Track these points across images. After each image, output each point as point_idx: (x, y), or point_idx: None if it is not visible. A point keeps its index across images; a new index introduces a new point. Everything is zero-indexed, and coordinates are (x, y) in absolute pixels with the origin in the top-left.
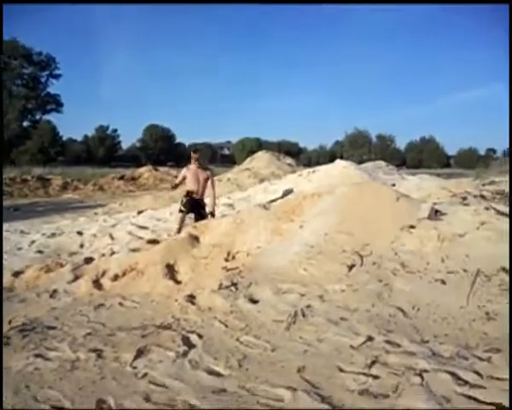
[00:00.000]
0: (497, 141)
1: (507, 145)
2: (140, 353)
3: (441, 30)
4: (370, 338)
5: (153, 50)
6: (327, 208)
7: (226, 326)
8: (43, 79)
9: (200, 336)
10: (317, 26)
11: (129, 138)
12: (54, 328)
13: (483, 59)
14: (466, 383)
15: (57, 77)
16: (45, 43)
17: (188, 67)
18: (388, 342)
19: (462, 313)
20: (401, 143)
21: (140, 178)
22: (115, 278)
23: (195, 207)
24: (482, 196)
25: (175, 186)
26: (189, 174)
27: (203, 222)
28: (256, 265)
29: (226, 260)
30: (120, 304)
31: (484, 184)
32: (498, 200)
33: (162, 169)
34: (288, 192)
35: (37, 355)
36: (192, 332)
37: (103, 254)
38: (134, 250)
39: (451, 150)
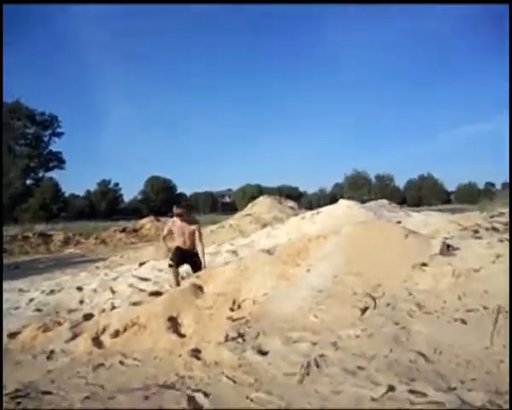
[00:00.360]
0: (495, 175)
1: (505, 179)
2: None
3: (438, 65)
4: (392, 388)
5: (151, 96)
6: (333, 250)
7: (234, 382)
8: (45, 138)
9: (206, 395)
10: (311, 69)
11: (131, 191)
12: (49, 393)
13: (482, 93)
14: None
15: (59, 135)
16: (43, 100)
17: (187, 112)
18: (412, 391)
19: (487, 354)
20: (400, 182)
21: (142, 230)
22: (116, 334)
23: (186, 257)
24: (494, 229)
25: (164, 238)
26: (175, 229)
27: (206, 271)
28: (263, 313)
29: (231, 309)
30: (121, 363)
31: (492, 216)
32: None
33: (164, 219)
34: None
35: None
36: (198, 391)
37: (104, 310)
38: (135, 304)
39: (451, 186)
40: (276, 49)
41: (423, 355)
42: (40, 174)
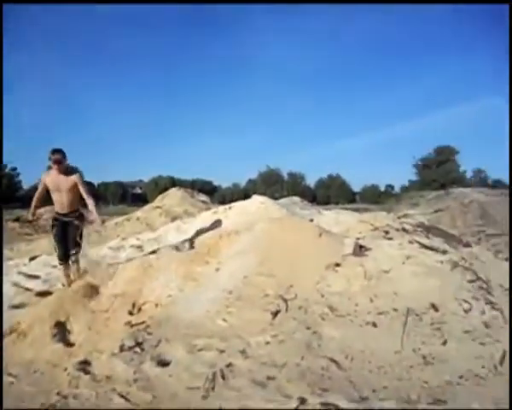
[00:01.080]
0: (395, 178)
1: (404, 181)
2: None
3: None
4: (303, 401)
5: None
6: (245, 247)
7: (128, 401)
8: None
9: None
10: (227, 66)
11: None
12: None
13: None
14: None
15: None
16: None
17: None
18: (324, 404)
19: (398, 359)
20: (310, 181)
21: (39, 220)
22: None
23: (67, 233)
24: (404, 230)
25: (33, 213)
26: (50, 186)
27: (103, 268)
28: (166, 317)
29: (131, 313)
30: None
31: (399, 217)
32: (420, 233)
33: None
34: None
35: None
36: None
37: None
38: (17, 307)
39: (356, 187)
40: (194, 43)
41: (335, 362)
42: None
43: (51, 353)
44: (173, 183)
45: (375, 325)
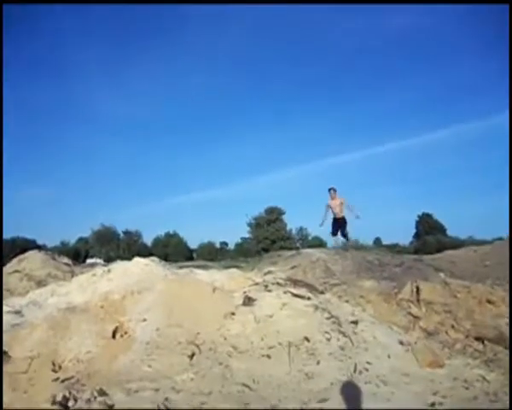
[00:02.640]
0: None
1: (238, 238)
2: None
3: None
4: None
5: None
6: (151, 304)
7: None
8: None
9: None
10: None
11: None
12: None
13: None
14: None
15: None
16: None
17: None
18: None
19: (289, 378)
20: (147, 239)
21: None
22: None
23: None
24: (278, 283)
25: None
26: None
27: (8, 333)
28: (93, 371)
29: (54, 370)
30: None
31: (265, 273)
32: (290, 285)
33: None
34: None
35: None
36: None
37: None
38: None
39: (192, 243)
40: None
41: (247, 386)
42: None
43: None
44: None
45: (268, 356)
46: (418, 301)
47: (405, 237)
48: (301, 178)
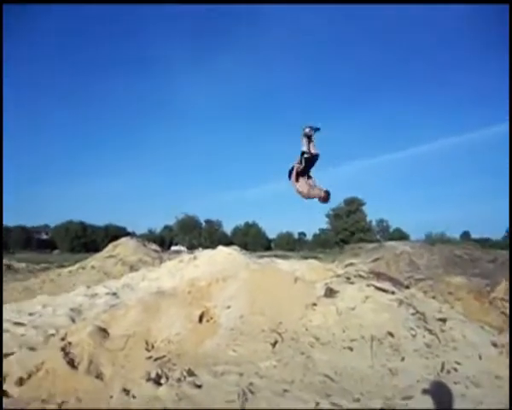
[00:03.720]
0: (307, 225)
1: (315, 229)
2: None
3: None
4: (317, 403)
5: None
6: (235, 292)
7: None
8: None
9: None
10: (141, 106)
11: None
12: None
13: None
14: None
15: None
16: None
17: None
18: (333, 403)
19: (372, 372)
20: (227, 228)
21: None
22: (21, 381)
23: None
24: (360, 276)
25: None
26: None
27: (108, 313)
28: (183, 352)
29: (147, 349)
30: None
31: (346, 266)
32: (373, 278)
33: None
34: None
35: None
36: None
37: None
38: (33, 349)
39: (271, 234)
40: (111, 85)
41: (329, 377)
42: None
43: (88, 384)
44: (84, 229)
45: (350, 349)
46: None
47: (497, 230)
48: (383, 168)
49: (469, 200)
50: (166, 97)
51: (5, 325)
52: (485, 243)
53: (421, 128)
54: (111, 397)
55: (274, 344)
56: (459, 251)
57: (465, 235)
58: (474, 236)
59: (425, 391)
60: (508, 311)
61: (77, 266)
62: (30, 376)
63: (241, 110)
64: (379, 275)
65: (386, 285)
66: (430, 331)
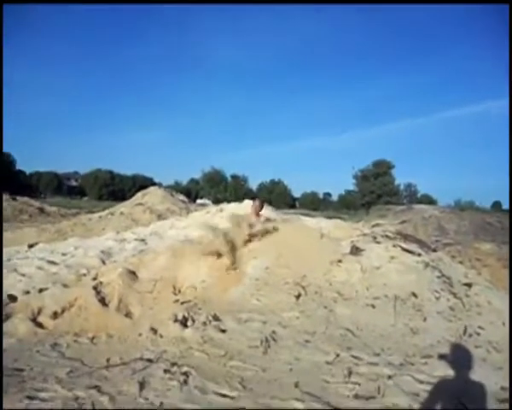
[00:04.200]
0: (333, 185)
1: (341, 190)
2: (142, 385)
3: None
4: (338, 355)
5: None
6: (262, 245)
7: (207, 354)
8: None
9: (189, 366)
10: (170, 64)
11: None
12: (22, 370)
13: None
14: (421, 382)
15: None
16: None
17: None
18: (353, 356)
19: (393, 330)
20: (252, 184)
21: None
22: (55, 315)
23: None
24: (387, 236)
25: None
26: None
27: (137, 257)
28: (208, 298)
29: (174, 293)
30: (76, 342)
31: (373, 226)
32: (399, 239)
33: (21, 199)
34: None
35: (30, 397)
36: (179, 362)
37: (27, 292)
38: (65, 286)
39: (296, 192)
40: (136, 41)
41: (350, 331)
42: None
43: (119, 322)
44: (113, 177)
45: (373, 306)
46: None
47: None
48: (412, 131)
49: (501, 169)
50: (200, 53)
51: (39, 263)
52: None
53: (453, 92)
54: (140, 335)
55: (298, 297)
56: (492, 219)
57: (496, 205)
58: (505, 206)
59: (445, 351)
60: None
61: (106, 211)
62: (63, 311)
63: (272, 69)
64: (406, 237)
65: (413, 247)
66: (455, 295)
